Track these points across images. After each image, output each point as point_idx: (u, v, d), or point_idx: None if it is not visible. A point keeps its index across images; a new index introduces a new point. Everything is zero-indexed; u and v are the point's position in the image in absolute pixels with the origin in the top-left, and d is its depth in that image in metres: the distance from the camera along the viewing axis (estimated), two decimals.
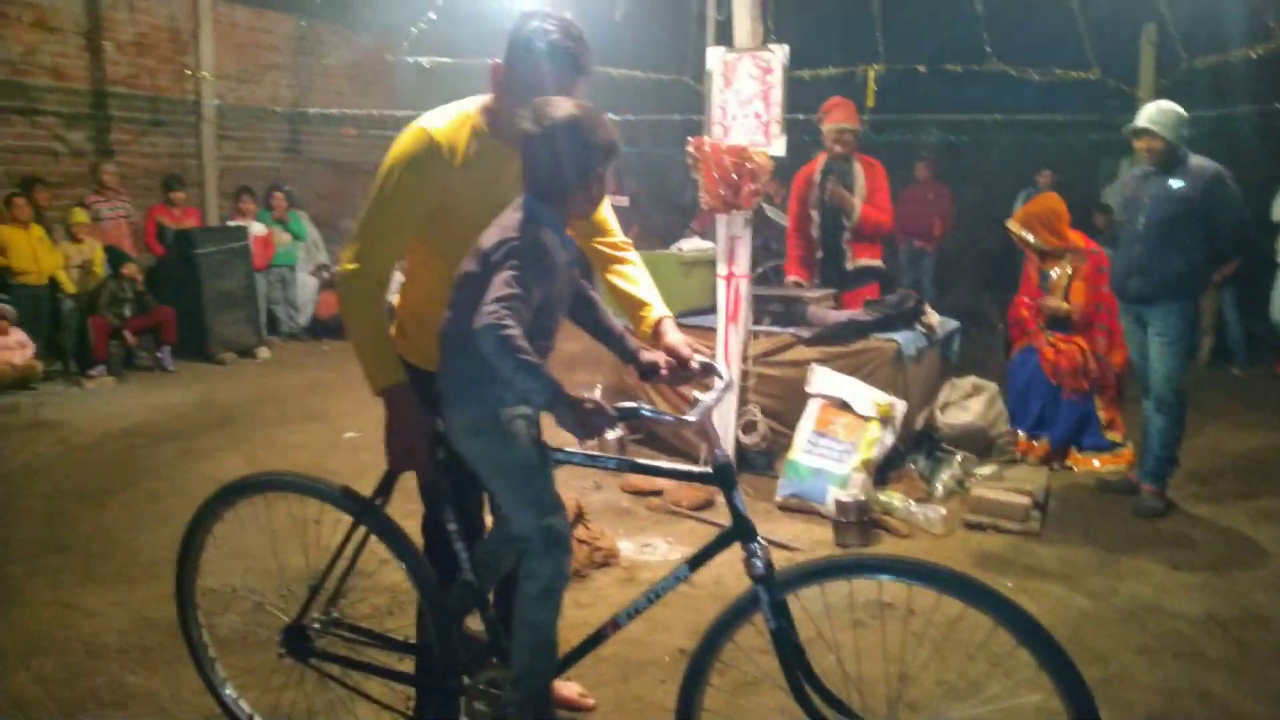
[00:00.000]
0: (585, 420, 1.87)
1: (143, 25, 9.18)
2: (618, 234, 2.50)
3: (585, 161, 2.00)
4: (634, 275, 2.44)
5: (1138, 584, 3.80)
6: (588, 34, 2.18)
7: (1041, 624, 1.79)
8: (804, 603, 2.05)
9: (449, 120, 2.22)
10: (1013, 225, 5.48)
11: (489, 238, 2.00)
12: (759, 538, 1.98)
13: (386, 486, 2.29)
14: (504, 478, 2.08)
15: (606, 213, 2.49)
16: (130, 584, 3.69)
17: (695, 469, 2.17)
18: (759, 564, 1.95)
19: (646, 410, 1.98)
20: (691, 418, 2.01)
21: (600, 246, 2.48)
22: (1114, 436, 5.33)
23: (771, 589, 1.95)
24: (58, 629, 3.31)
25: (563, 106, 1.99)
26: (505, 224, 2.01)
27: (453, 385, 2.09)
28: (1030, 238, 5.37)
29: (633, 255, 2.48)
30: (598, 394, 5.88)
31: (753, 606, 1.96)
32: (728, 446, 4.92)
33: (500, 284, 1.87)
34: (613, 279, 2.45)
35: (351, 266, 2.15)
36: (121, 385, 7.40)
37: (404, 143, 2.18)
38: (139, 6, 9.12)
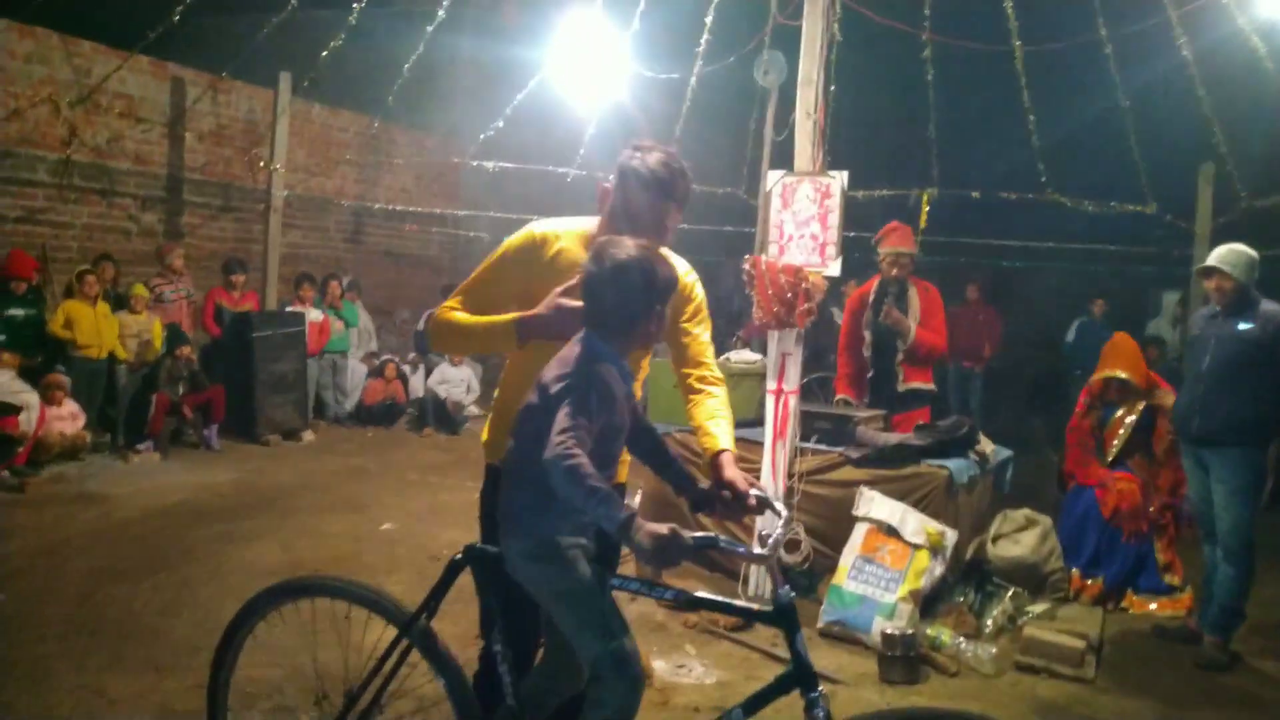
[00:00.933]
0: (661, 550, 1.82)
1: (223, 118, 9.65)
2: (712, 369, 2.54)
3: (643, 300, 2.07)
4: (711, 408, 2.46)
5: None
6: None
7: None
8: None
9: (558, 226, 2.48)
10: (1105, 373, 5.32)
11: (549, 372, 2.06)
12: (821, 686, 1.90)
13: (434, 599, 2.25)
14: (565, 602, 2.05)
15: (705, 345, 2.55)
16: (158, 672, 3.63)
17: (756, 608, 2.11)
18: (821, 716, 1.87)
19: (723, 541, 1.94)
20: (765, 551, 1.99)
21: (691, 378, 2.52)
22: (1172, 580, 5.12)
23: None
24: (81, 716, 3.25)
25: (623, 248, 2.07)
26: (566, 358, 2.07)
27: (512, 514, 2.10)
28: (1124, 375, 5.24)
29: (718, 391, 2.50)
30: (638, 500, 5.82)
31: None
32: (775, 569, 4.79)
33: (564, 417, 1.92)
34: (691, 406, 2.49)
35: (447, 305, 2.48)
36: (166, 462, 7.46)
37: (515, 237, 2.49)
38: (221, 100, 9.59)
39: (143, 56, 8.57)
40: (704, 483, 2.27)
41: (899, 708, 2.23)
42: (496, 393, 2.60)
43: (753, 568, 4.86)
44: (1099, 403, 5.41)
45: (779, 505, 2.20)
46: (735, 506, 2.21)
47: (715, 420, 2.41)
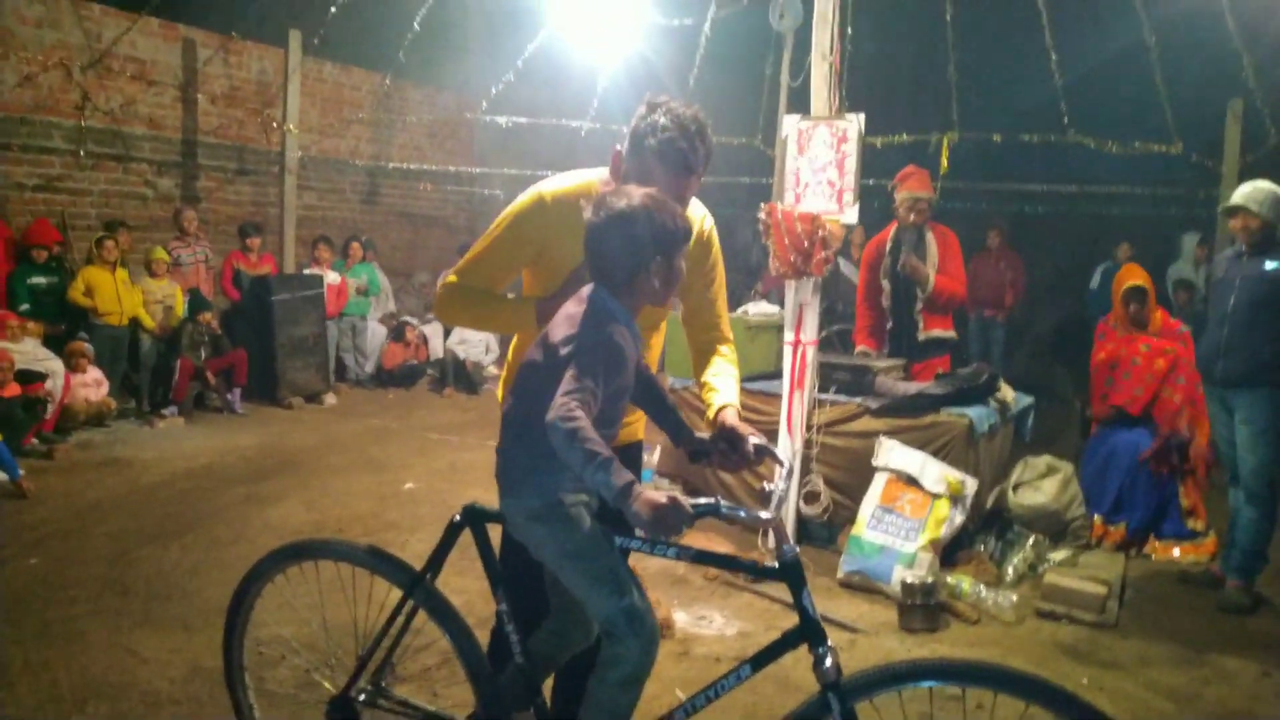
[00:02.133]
0: (660, 520, 1.74)
1: (235, 79, 9.59)
2: (724, 331, 2.50)
3: (649, 252, 1.95)
4: (717, 366, 2.43)
5: (1225, 688, 3.58)
6: (708, 129, 2.21)
7: None
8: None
9: (566, 183, 2.34)
10: (1125, 285, 5.33)
11: (557, 331, 1.98)
12: (829, 641, 1.89)
13: (437, 559, 2.25)
14: (572, 562, 2.00)
15: (719, 308, 2.50)
16: (188, 631, 3.70)
17: (761, 565, 2.06)
18: (830, 670, 1.86)
19: (725, 507, 1.86)
20: (767, 515, 1.92)
21: (701, 339, 2.49)
22: (1196, 525, 5.09)
23: (843, 697, 1.85)
24: (114, 674, 3.33)
25: (626, 196, 1.96)
26: (574, 316, 1.98)
27: (511, 471, 2.05)
28: (1140, 283, 5.26)
29: (726, 350, 2.47)
30: (655, 457, 5.82)
31: (822, 715, 1.87)
32: (788, 518, 4.80)
33: (570, 379, 1.83)
34: (698, 364, 2.47)
35: (450, 279, 2.38)
36: (190, 426, 7.56)
37: (520, 200, 2.35)
38: (233, 61, 9.53)
39: (153, 18, 8.53)
40: (703, 433, 2.23)
41: (909, 659, 2.22)
42: (509, 357, 2.56)
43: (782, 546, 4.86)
44: (1122, 327, 5.35)
45: (780, 454, 2.16)
46: (733, 456, 2.15)
47: (720, 376, 2.38)
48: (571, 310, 2.00)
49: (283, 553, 2.44)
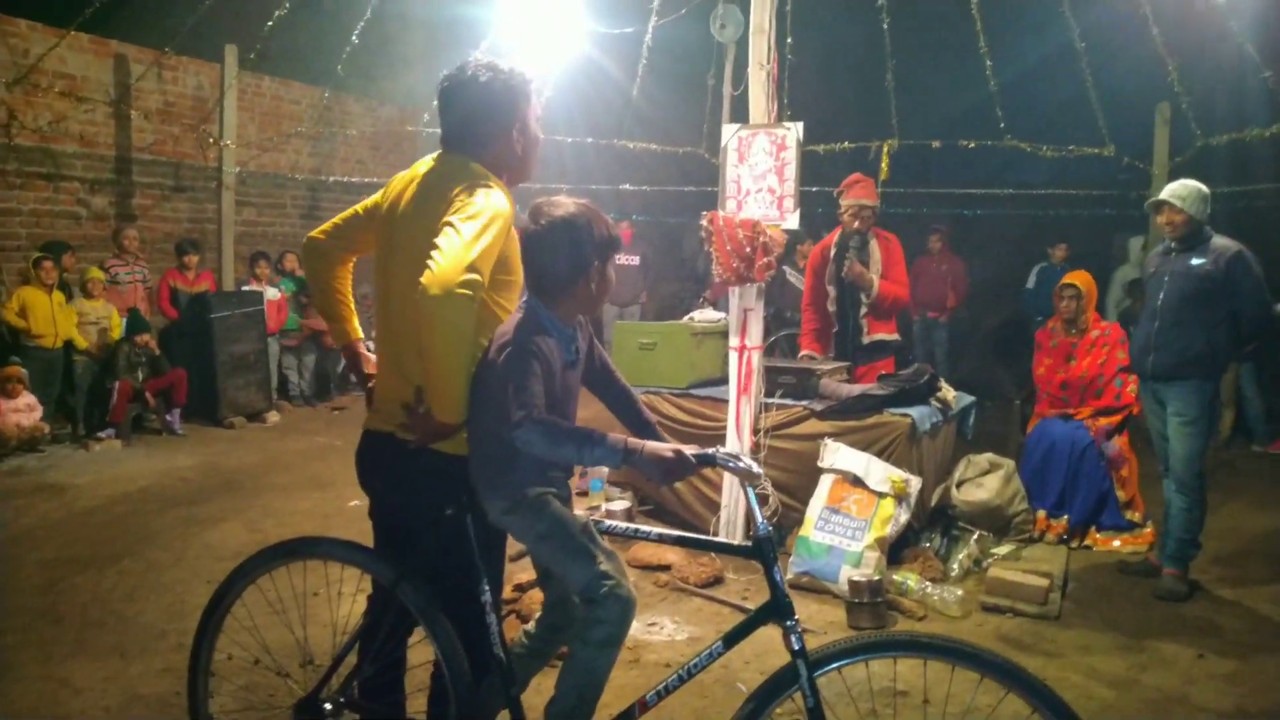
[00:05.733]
0: (668, 468, 1.95)
1: (170, 94, 9.41)
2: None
3: (579, 258, 2.10)
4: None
5: (1163, 673, 3.66)
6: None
7: None
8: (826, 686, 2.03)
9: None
10: (1061, 284, 5.48)
11: (495, 340, 2.11)
12: (796, 615, 2.01)
13: (425, 556, 2.24)
14: (548, 541, 2.12)
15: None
16: (123, 658, 3.59)
17: (736, 543, 2.25)
18: (797, 641, 1.97)
19: (719, 457, 2.05)
20: (757, 469, 2.10)
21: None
22: (1133, 516, 5.21)
23: (811, 666, 1.94)
24: (45, 705, 3.22)
25: (560, 205, 2.10)
26: (506, 328, 2.12)
27: (482, 473, 2.16)
28: (1077, 283, 5.41)
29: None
30: (606, 469, 5.81)
31: (792, 683, 1.96)
32: (738, 520, 4.83)
33: (511, 387, 1.98)
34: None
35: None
36: (128, 449, 7.37)
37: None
38: (167, 76, 9.35)
39: (82, 34, 8.33)
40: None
41: (874, 634, 2.24)
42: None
43: (722, 524, 4.88)
44: (1059, 329, 5.47)
45: (747, 460, 2.25)
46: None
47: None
48: (508, 322, 2.14)
49: (272, 553, 2.39)
